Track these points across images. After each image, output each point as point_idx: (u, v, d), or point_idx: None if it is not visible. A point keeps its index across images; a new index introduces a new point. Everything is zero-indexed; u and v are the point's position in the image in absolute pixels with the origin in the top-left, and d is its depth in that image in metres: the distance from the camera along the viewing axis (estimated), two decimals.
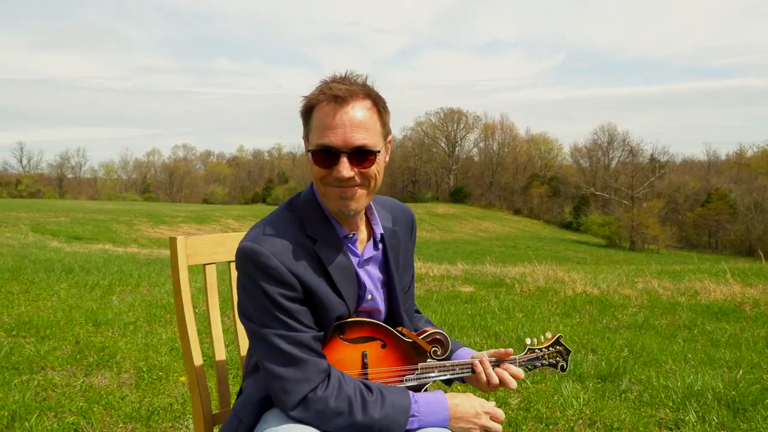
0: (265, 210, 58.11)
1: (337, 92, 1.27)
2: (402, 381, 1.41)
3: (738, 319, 5.80)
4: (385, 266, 1.47)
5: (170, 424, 2.73)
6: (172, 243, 1.47)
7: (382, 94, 1.35)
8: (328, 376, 1.30)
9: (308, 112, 1.32)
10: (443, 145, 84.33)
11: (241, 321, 1.34)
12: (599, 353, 4.18)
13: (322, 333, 1.33)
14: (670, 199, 63.97)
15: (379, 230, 1.45)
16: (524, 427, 2.83)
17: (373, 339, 1.40)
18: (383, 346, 1.40)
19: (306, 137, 1.35)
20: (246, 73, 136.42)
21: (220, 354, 1.64)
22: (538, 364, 1.56)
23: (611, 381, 3.50)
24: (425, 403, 1.34)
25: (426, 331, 1.47)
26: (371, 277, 1.45)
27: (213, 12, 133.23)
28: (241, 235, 1.53)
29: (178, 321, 1.51)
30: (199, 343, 1.57)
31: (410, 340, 1.41)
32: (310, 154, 1.31)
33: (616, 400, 3.19)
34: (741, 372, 3.74)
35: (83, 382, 3.23)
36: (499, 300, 6.55)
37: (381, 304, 1.47)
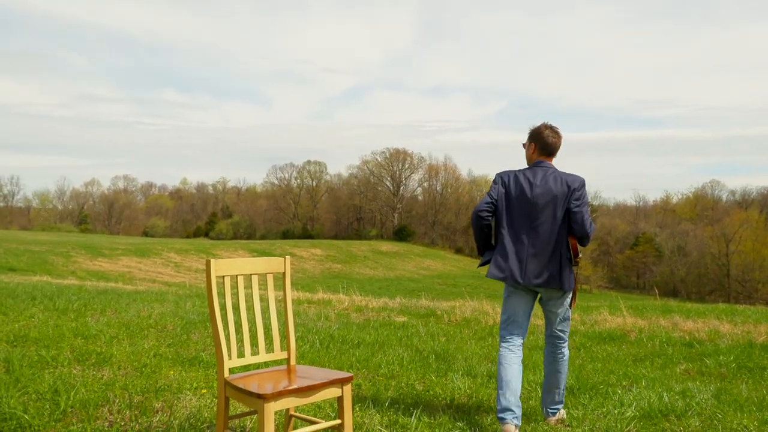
0: (208, 244, 57.39)
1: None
2: None
3: (621, 343, 7.08)
4: None
5: (174, 395, 3.72)
6: (207, 263, 2.49)
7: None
8: None
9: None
10: (388, 184, 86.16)
11: None
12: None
13: None
14: (601, 241, 67.47)
15: None
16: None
17: None
18: None
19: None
20: (193, 106, 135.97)
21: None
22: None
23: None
24: None
25: None
26: None
27: (162, 44, 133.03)
28: (262, 257, 2.54)
29: (209, 307, 2.52)
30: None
31: None
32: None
33: (492, 388, 4.32)
34: (598, 375, 4.94)
35: (95, 374, 4.11)
36: (428, 327, 7.61)
37: None
